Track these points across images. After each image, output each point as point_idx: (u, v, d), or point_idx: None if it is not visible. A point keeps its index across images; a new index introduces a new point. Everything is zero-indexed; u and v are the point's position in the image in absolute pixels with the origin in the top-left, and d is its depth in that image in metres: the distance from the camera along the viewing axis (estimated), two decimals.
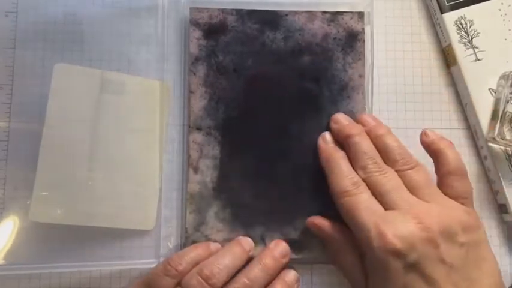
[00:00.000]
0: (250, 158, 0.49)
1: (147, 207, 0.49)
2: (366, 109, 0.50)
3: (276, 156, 0.49)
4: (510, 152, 0.50)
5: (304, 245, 0.49)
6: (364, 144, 0.46)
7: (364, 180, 0.45)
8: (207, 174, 0.49)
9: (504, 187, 0.50)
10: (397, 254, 0.40)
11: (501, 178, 0.50)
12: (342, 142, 0.48)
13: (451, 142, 0.47)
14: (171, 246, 0.49)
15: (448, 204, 0.44)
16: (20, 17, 0.51)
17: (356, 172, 0.46)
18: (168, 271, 0.44)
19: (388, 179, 0.44)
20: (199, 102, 0.50)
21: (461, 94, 0.53)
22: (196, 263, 0.45)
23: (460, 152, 0.48)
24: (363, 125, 0.48)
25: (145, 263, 0.48)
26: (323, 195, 0.47)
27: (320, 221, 0.47)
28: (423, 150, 0.47)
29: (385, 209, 0.43)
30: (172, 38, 0.52)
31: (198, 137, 0.50)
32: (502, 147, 0.50)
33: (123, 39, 0.51)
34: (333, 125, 0.49)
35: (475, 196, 0.51)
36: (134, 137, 0.49)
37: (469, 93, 0.51)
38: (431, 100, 0.53)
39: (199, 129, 0.50)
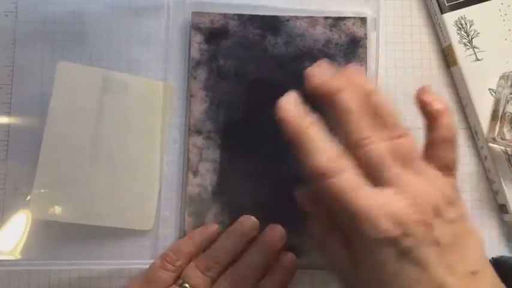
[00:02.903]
0: (249, 162, 0.49)
1: (146, 207, 0.49)
2: None
3: (275, 160, 0.49)
4: (510, 152, 0.50)
5: (304, 250, 0.49)
6: (350, 103, 0.38)
7: (347, 148, 0.38)
8: (206, 177, 0.49)
9: (504, 187, 0.50)
10: (392, 240, 0.35)
11: (501, 178, 0.50)
12: (321, 100, 0.39)
13: (448, 107, 0.41)
14: None
15: (435, 178, 0.39)
16: (20, 16, 0.51)
17: (335, 137, 0.38)
18: (166, 267, 0.45)
19: (377, 150, 0.37)
20: (199, 106, 0.50)
21: (461, 94, 0.53)
22: (194, 254, 0.47)
23: (460, 152, 0.47)
24: (347, 78, 0.39)
25: (143, 263, 0.48)
26: None
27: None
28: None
29: (374, 184, 0.37)
30: (177, 39, 0.52)
31: (198, 140, 0.50)
32: (502, 148, 0.50)
33: (127, 39, 0.51)
34: (311, 78, 0.40)
35: (475, 196, 0.52)
36: (136, 136, 0.49)
37: (469, 93, 0.51)
38: None
39: (199, 132, 0.50)
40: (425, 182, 0.38)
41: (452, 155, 0.40)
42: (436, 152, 0.40)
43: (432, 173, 0.39)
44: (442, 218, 0.37)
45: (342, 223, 0.39)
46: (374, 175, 0.37)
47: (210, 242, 0.47)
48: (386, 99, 0.39)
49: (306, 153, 0.37)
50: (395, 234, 0.35)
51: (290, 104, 0.39)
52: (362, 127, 0.38)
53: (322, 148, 0.37)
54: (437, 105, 0.40)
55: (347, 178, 0.36)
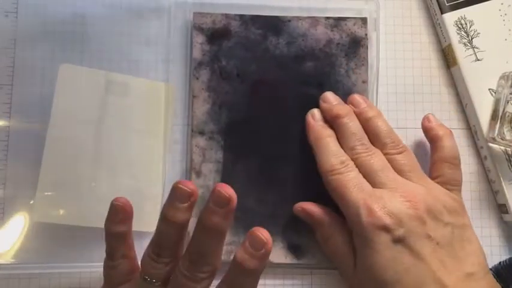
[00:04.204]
0: (252, 163, 0.49)
1: (149, 209, 0.48)
2: None
3: (278, 160, 0.50)
4: (510, 152, 0.50)
5: (306, 250, 0.49)
6: (352, 125, 0.47)
7: (352, 160, 0.46)
8: (209, 178, 0.49)
9: (504, 187, 0.50)
10: (385, 228, 0.41)
11: (501, 178, 0.50)
12: (331, 121, 0.48)
13: (450, 131, 0.48)
14: None
15: (434, 187, 0.45)
16: (20, 16, 0.51)
17: (344, 152, 0.46)
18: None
19: (376, 160, 0.45)
20: (202, 107, 0.50)
21: (461, 94, 0.53)
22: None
23: (460, 152, 0.48)
24: (353, 105, 0.49)
25: None
26: (325, 200, 0.47)
27: (309, 206, 0.48)
28: (424, 149, 0.48)
29: (373, 187, 0.44)
30: (178, 39, 0.52)
31: (200, 141, 0.50)
32: (502, 148, 0.50)
33: (128, 40, 0.51)
34: (322, 104, 0.49)
35: (475, 196, 0.52)
36: (138, 138, 0.49)
37: (469, 93, 0.51)
38: (431, 100, 0.53)
39: (202, 133, 0.50)
40: (422, 188, 0.44)
41: (454, 173, 0.47)
42: (440, 170, 0.47)
43: (432, 184, 0.46)
44: (437, 219, 0.43)
45: (346, 214, 0.44)
46: (373, 180, 0.44)
47: None
48: (384, 123, 0.48)
49: (323, 154, 0.46)
50: (389, 222, 0.41)
51: (318, 115, 0.49)
52: (362, 142, 0.46)
53: (335, 153, 0.46)
54: (439, 131, 0.48)
55: (352, 175, 0.44)
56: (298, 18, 0.51)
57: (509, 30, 0.52)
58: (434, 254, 0.42)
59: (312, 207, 0.48)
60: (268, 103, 0.50)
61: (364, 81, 0.51)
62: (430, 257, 0.41)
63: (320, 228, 0.47)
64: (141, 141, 0.49)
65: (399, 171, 0.45)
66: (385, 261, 0.41)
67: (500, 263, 0.49)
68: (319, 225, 0.47)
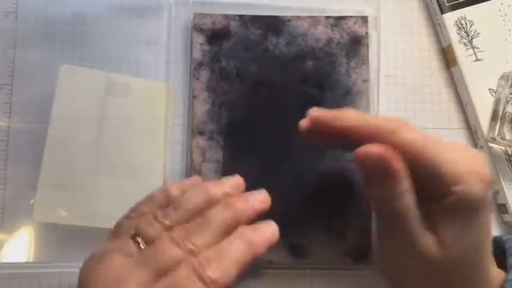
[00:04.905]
0: (253, 163, 0.49)
1: None
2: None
3: (278, 161, 0.49)
4: (510, 152, 0.50)
5: (306, 250, 0.49)
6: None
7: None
8: (209, 178, 0.49)
9: (504, 187, 0.50)
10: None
11: (501, 178, 0.50)
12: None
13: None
14: None
15: None
16: (20, 16, 0.51)
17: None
18: (129, 214, 0.41)
19: None
20: (202, 107, 0.50)
21: (461, 94, 0.53)
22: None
23: None
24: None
25: None
26: (326, 200, 0.47)
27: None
28: None
29: None
30: (178, 40, 0.52)
31: (201, 141, 0.50)
32: (502, 148, 0.50)
33: (128, 40, 0.51)
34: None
35: None
36: (139, 138, 0.49)
37: (469, 93, 0.51)
38: (432, 100, 0.53)
39: (202, 133, 0.50)
40: None
41: None
42: None
43: None
44: None
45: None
46: None
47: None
48: None
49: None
50: None
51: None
52: None
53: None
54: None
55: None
56: (298, 17, 0.51)
57: (509, 30, 0.52)
58: None
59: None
60: (268, 103, 0.50)
61: (365, 81, 0.51)
62: None
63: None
64: (141, 141, 0.49)
65: None
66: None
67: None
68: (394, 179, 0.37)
